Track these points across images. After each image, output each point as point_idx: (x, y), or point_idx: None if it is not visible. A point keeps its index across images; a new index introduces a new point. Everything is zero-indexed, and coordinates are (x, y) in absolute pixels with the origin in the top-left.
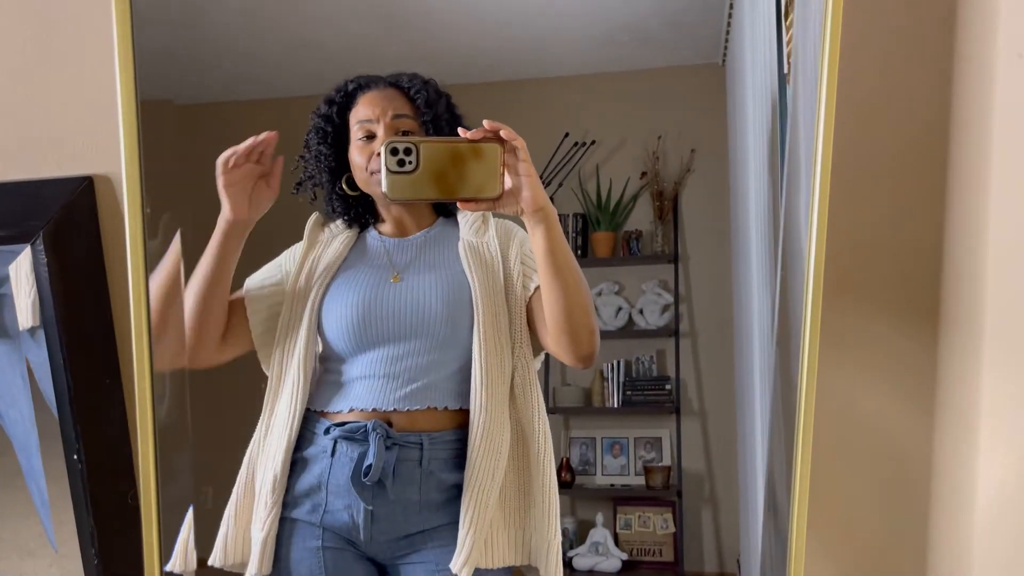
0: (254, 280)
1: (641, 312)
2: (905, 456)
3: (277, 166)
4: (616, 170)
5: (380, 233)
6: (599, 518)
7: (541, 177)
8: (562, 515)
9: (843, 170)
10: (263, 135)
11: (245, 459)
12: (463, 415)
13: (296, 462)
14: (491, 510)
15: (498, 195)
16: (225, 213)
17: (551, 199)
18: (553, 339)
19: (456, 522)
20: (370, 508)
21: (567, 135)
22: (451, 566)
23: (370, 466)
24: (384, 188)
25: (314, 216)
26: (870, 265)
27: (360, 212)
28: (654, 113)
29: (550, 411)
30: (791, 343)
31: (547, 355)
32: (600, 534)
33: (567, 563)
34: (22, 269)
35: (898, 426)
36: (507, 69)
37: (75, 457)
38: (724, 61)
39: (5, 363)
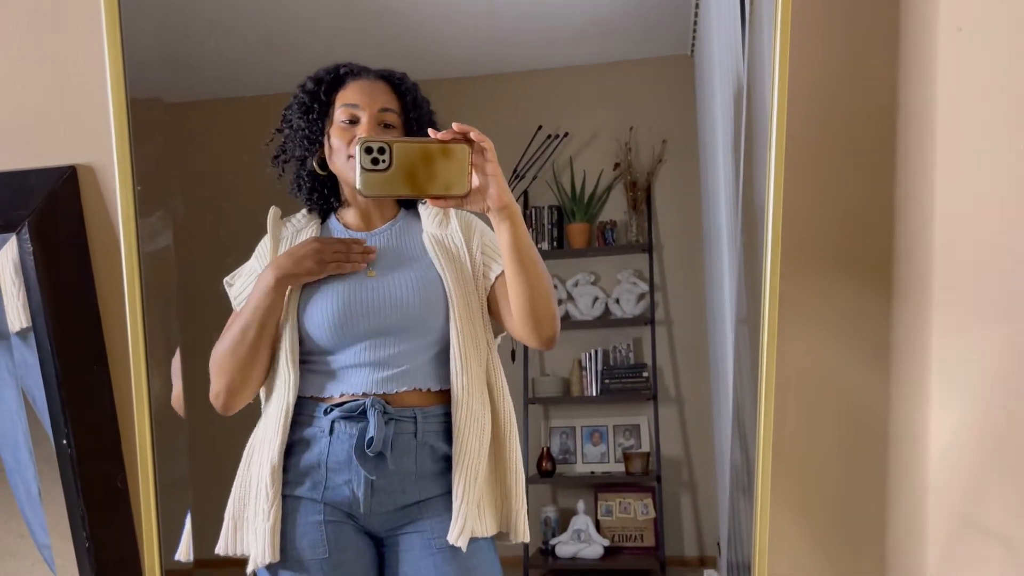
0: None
1: (617, 301)
2: (863, 412)
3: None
4: (589, 162)
5: (346, 226)
6: (580, 505)
7: (515, 170)
8: (544, 504)
9: (797, 147)
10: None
11: (246, 451)
12: (446, 395)
13: (294, 444)
14: (480, 482)
15: (466, 193)
16: (301, 276)
17: (526, 191)
18: (519, 324)
19: (448, 493)
20: (372, 478)
21: (540, 128)
22: (448, 537)
23: (372, 438)
24: (358, 185)
25: (272, 210)
26: (825, 237)
27: (325, 194)
28: (625, 105)
29: (530, 401)
30: (756, 319)
31: (525, 349)
32: (582, 521)
33: (550, 551)
34: (9, 259)
35: (856, 385)
36: (480, 64)
37: (64, 442)
38: (692, 52)
39: None
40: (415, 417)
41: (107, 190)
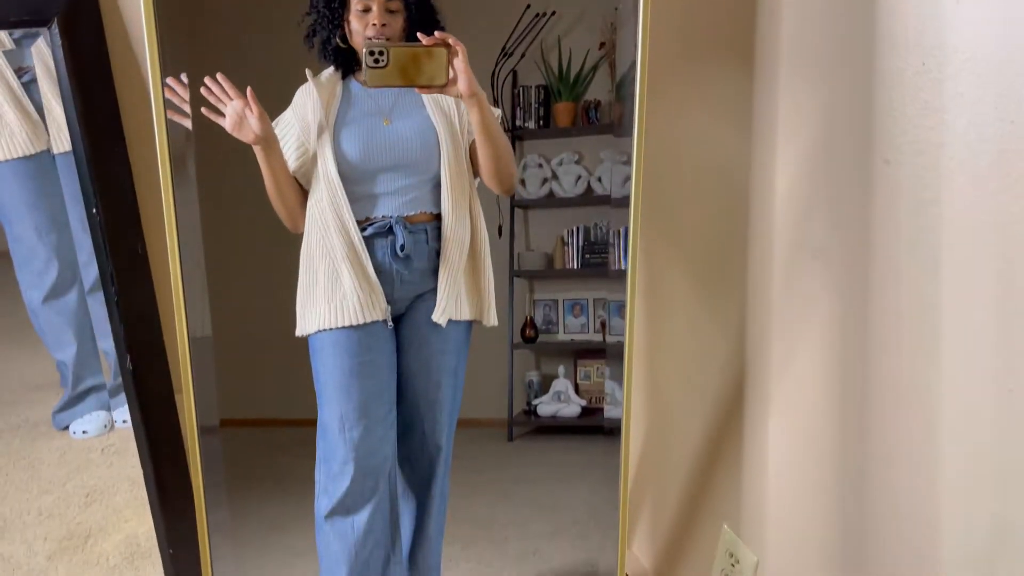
0: (288, 153)
1: (600, 180)
2: (728, 164)
3: (249, 95)
4: (576, 41)
5: (362, 84)
6: (561, 370)
7: (504, 48)
8: (527, 369)
9: None
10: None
11: (302, 256)
12: (440, 216)
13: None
14: (458, 281)
15: (444, 83)
16: (250, 143)
17: (514, 71)
18: (486, 178)
19: None
20: (404, 273)
21: (528, 7)
22: (432, 316)
23: (403, 244)
24: (364, 78)
25: (308, 71)
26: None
27: (347, 59)
28: None
29: (515, 275)
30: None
31: (511, 225)
32: (562, 384)
33: (532, 411)
34: (44, 51)
35: (723, 139)
36: None
37: (94, 211)
38: None
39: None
40: (426, 230)
41: None
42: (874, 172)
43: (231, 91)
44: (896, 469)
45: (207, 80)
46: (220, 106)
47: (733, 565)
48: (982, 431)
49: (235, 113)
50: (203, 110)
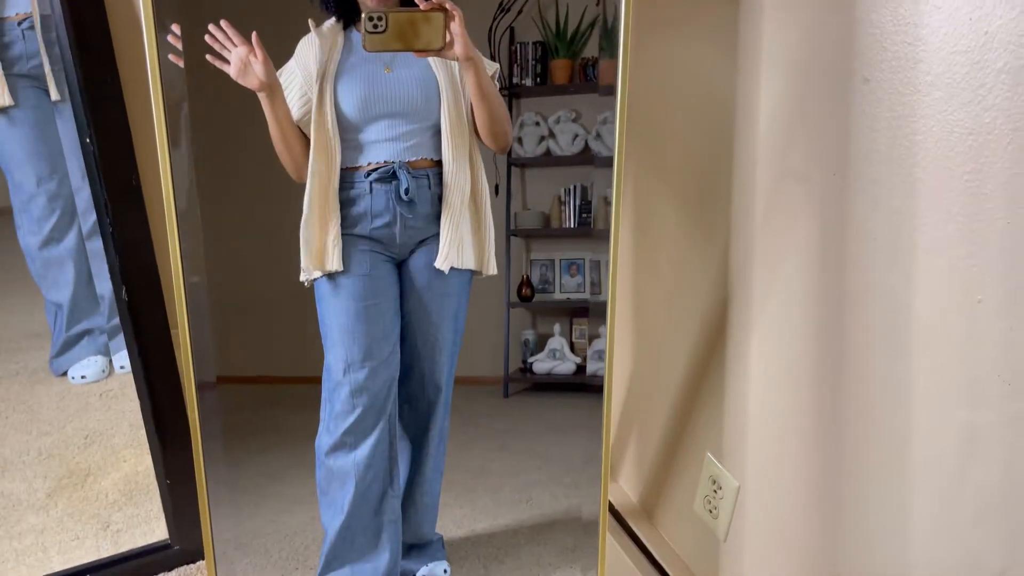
0: (292, 102)
1: (599, 136)
2: (715, 89)
3: (254, 40)
4: None
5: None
6: (556, 328)
7: (501, 3)
8: (523, 327)
9: None
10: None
11: (305, 199)
12: (440, 163)
13: (344, 202)
14: (460, 229)
15: (441, 47)
16: (254, 89)
17: (511, 27)
18: (482, 135)
19: None
20: (408, 217)
21: None
22: (435, 263)
23: (407, 188)
24: (364, 43)
25: (310, 21)
26: None
27: (348, 10)
28: None
29: (512, 233)
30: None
31: (508, 184)
32: (557, 342)
33: (528, 368)
34: None
35: (710, 68)
36: None
37: (87, 140)
38: None
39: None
40: (428, 175)
41: None
42: (854, 91)
43: (235, 38)
44: (869, 383)
45: (211, 28)
46: (225, 53)
47: (716, 491)
48: (952, 336)
49: (239, 59)
50: (208, 57)
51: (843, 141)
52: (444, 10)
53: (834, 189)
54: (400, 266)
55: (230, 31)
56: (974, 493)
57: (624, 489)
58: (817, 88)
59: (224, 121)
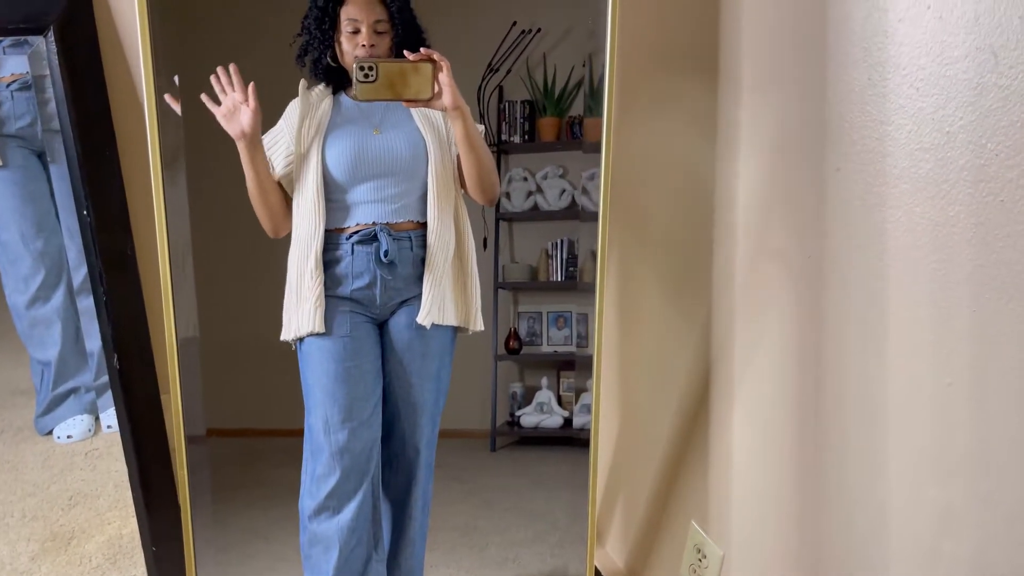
0: (277, 160)
1: (585, 192)
2: (694, 172)
3: (250, 90)
4: (561, 58)
5: (353, 98)
6: (544, 381)
7: (490, 63)
8: (511, 380)
9: None
10: (222, 72)
11: (290, 264)
12: (425, 225)
13: (326, 263)
14: (443, 286)
15: (430, 97)
16: (235, 137)
17: (500, 86)
18: (470, 188)
19: None
20: (388, 279)
21: (515, 24)
22: (417, 319)
23: (387, 251)
24: (355, 92)
25: (301, 83)
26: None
27: (338, 78)
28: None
29: (500, 286)
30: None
31: (496, 237)
32: (545, 395)
33: (516, 421)
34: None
35: (688, 148)
36: None
37: (84, 213)
38: None
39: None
40: (410, 237)
41: None
42: (827, 179)
43: (237, 83)
44: (847, 458)
45: (219, 68)
46: (222, 96)
47: (700, 560)
48: (924, 416)
49: (231, 103)
50: (203, 96)
51: (818, 223)
52: (433, 61)
53: (810, 269)
54: (382, 326)
55: (236, 76)
56: (946, 570)
57: (611, 555)
58: (793, 173)
59: (215, 184)
